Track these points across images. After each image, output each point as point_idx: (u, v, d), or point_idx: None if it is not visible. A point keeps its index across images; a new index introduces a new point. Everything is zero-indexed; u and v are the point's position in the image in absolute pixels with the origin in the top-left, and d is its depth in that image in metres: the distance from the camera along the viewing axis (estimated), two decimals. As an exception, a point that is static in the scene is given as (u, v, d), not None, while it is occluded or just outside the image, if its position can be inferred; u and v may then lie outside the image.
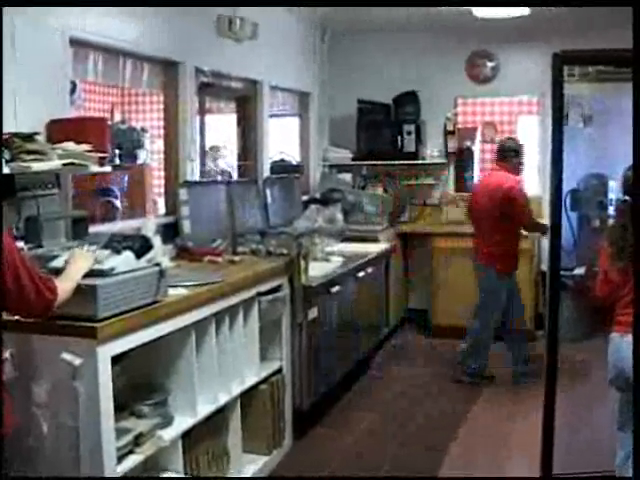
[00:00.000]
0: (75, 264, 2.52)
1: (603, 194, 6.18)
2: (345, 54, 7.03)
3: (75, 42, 3.72)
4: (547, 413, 3.30)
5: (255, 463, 3.81)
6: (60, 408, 2.56)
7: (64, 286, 2.38)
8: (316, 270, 4.46)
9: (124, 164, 6.57)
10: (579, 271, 5.62)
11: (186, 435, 3.15)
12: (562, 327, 3.28)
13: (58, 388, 2.55)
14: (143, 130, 7.09)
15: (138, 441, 2.84)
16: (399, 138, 6.80)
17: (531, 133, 6.75)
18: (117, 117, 7.81)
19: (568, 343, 4.15)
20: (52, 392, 2.56)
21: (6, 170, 2.87)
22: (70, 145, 3.23)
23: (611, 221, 5.06)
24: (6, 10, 2.85)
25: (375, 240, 6.01)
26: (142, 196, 6.75)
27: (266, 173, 5.86)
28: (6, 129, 2.88)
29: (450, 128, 6.90)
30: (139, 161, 6.86)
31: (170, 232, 4.37)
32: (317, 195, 6.54)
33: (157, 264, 2.83)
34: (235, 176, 6.46)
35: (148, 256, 2.77)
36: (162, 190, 5.38)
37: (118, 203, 6.40)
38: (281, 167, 6.28)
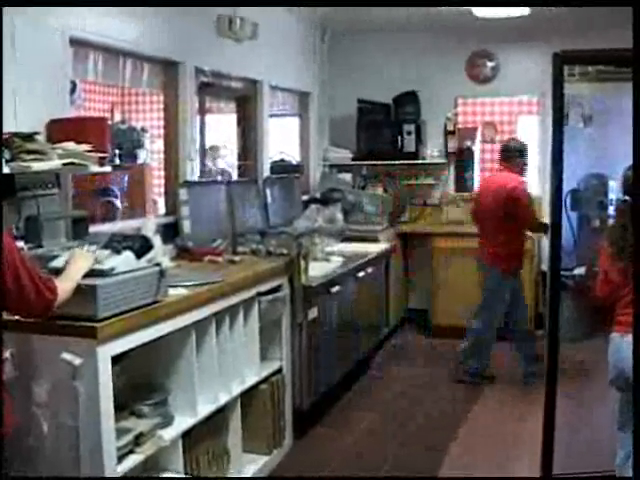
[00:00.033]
0: (75, 264, 2.52)
1: (603, 194, 6.18)
2: (345, 54, 7.03)
3: (75, 42, 3.72)
4: (547, 413, 3.30)
5: (255, 463, 3.81)
6: (60, 408, 2.56)
7: (64, 286, 2.38)
8: (316, 270, 4.46)
9: (124, 164, 6.58)
10: (579, 271, 5.62)
11: (186, 435, 3.15)
12: (562, 327, 3.28)
13: (58, 388, 2.55)
14: (143, 130, 7.09)
15: (138, 441, 2.84)
16: (399, 138, 6.80)
17: (531, 133, 6.74)
18: (117, 117, 7.81)
19: (568, 343, 4.14)
20: (52, 392, 2.56)
21: (6, 170, 2.87)
22: (70, 145, 3.23)
23: (611, 221, 5.06)
24: (6, 10, 2.85)
25: (375, 240, 6.01)
26: (142, 196, 6.75)
27: (266, 173, 5.86)
28: (6, 129, 2.88)
29: (450, 128, 6.90)
30: (139, 161, 6.86)
31: (170, 232, 4.37)
32: (317, 195, 6.54)
33: (157, 264, 2.83)
34: (235, 176, 6.46)
35: (148, 256, 2.77)
36: (162, 190, 5.38)
37: (118, 203, 6.40)
38: (281, 167, 6.28)
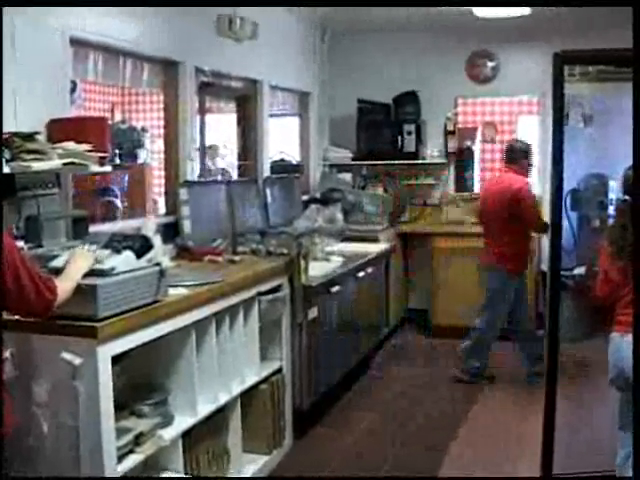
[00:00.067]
0: (75, 264, 2.52)
1: (603, 194, 6.19)
2: (345, 54, 7.03)
3: (75, 42, 3.72)
4: (547, 413, 3.30)
5: (255, 463, 3.81)
6: (60, 408, 2.56)
7: (64, 286, 2.38)
8: (316, 270, 4.46)
9: (124, 164, 6.59)
10: (579, 271, 5.62)
11: (186, 435, 3.15)
12: (562, 327, 3.28)
13: (58, 388, 2.55)
14: (143, 130, 7.10)
15: (138, 441, 2.84)
16: (399, 138, 6.80)
17: (531, 133, 6.74)
18: (117, 117, 7.83)
19: (568, 343, 4.15)
20: (52, 392, 2.56)
21: (6, 170, 2.87)
22: (70, 145, 3.23)
23: (611, 221, 5.06)
24: (6, 10, 2.84)
25: (375, 240, 6.01)
26: (142, 196, 6.76)
27: (266, 173, 5.86)
28: (6, 129, 2.88)
29: (450, 128, 6.90)
30: (139, 161, 6.87)
31: (170, 232, 4.37)
32: (317, 195, 6.54)
33: (157, 264, 2.83)
34: (234, 175, 6.46)
35: (148, 256, 2.77)
36: (162, 190, 5.38)
37: (118, 202, 6.41)
38: (281, 167, 6.28)
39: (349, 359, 5.08)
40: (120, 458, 2.71)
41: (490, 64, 6.83)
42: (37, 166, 2.99)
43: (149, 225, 3.84)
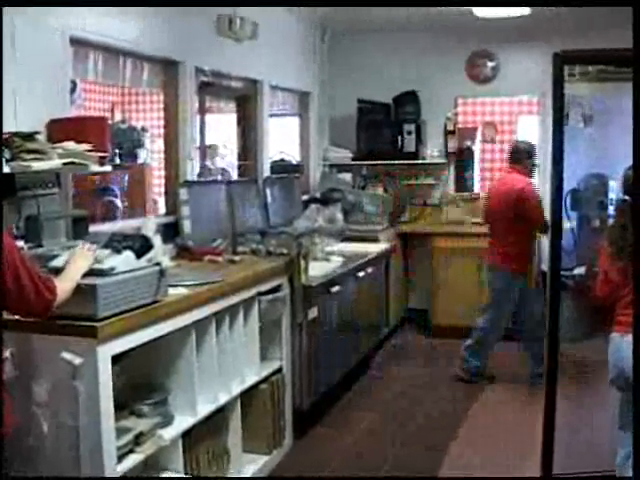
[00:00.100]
0: (75, 264, 2.52)
1: (603, 194, 6.18)
2: (345, 54, 7.03)
3: (75, 42, 3.72)
4: (547, 413, 3.30)
5: (255, 463, 3.81)
6: (60, 408, 2.56)
7: (63, 286, 2.38)
8: (316, 270, 4.46)
9: (124, 163, 6.59)
10: (579, 271, 5.62)
11: (186, 434, 3.15)
12: (562, 327, 3.28)
13: (58, 387, 2.55)
14: (143, 129, 7.10)
15: (138, 440, 2.84)
16: (399, 138, 6.80)
17: (531, 133, 6.74)
18: (117, 116, 7.82)
19: (568, 343, 4.15)
20: (52, 391, 2.56)
21: (6, 169, 2.87)
22: (70, 144, 3.23)
23: (611, 221, 5.07)
24: (6, 10, 2.84)
25: (375, 240, 6.01)
26: (142, 196, 6.76)
27: (266, 173, 5.86)
28: (6, 129, 2.88)
29: (450, 128, 6.90)
30: (139, 160, 6.87)
31: (170, 232, 4.37)
32: (317, 195, 6.53)
33: (157, 264, 2.83)
34: (234, 175, 6.46)
35: (148, 256, 2.77)
36: (162, 190, 5.38)
37: (119, 202, 6.40)
38: (281, 167, 6.28)
39: (349, 359, 5.08)
40: (120, 458, 2.71)
41: (490, 64, 6.83)
42: (37, 166, 2.99)
43: (149, 225, 3.85)
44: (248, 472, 3.71)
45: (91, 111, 7.25)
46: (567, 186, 4.01)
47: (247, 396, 3.73)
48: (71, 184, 3.72)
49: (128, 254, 2.69)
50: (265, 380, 3.89)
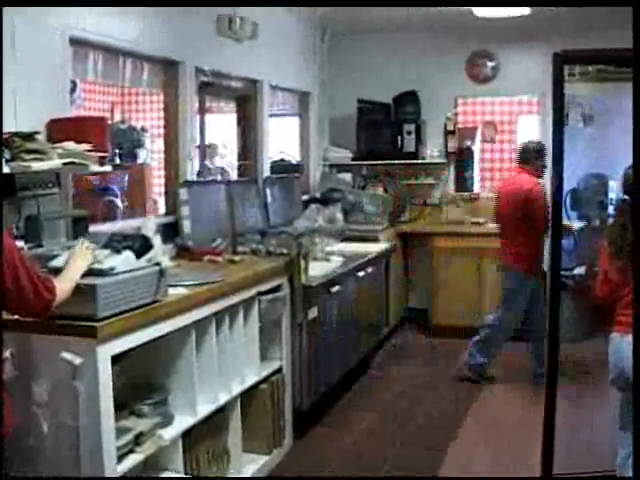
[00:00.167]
0: (75, 264, 2.52)
1: (603, 194, 6.19)
2: (345, 54, 7.03)
3: (75, 42, 3.72)
4: (547, 413, 3.30)
5: (255, 463, 3.81)
6: (60, 408, 2.56)
7: (63, 286, 2.38)
8: (316, 270, 4.46)
9: (124, 163, 6.59)
10: (579, 271, 5.62)
11: (186, 434, 3.15)
12: (562, 327, 3.28)
13: (58, 387, 2.55)
14: (143, 129, 7.11)
15: (138, 440, 2.84)
16: (399, 138, 6.80)
17: (531, 133, 6.74)
18: (117, 116, 7.82)
19: (568, 343, 4.15)
20: (52, 391, 2.56)
21: (6, 169, 2.87)
22: (70, 144, 3.23)
23: (611, 221, 5.08)
24: (6, 10, 2.84)
25: (375, 240, 6.01)
26: (142, 196, 6.76)
27: (266, 173, 5.86)
28: (6, 129, 2.88)
29: (450, 128, 6.90)
30: (139, 160, 6.88)
31: (170, 232, 4.37)
32: (317, 195, 6.53)
33: (157, 264, 2.83)
34: (233, 175, 6.46)
35: (148, 256, 2.77)
36: (162, 190, 5.38)
37: (119, 202, 6.41)
38: (281, 167, 6.28)
39: (349, 359, 5.08)
40: (120, 458, 2.71)
41: (490, 64, 6.83)
42: (37, 166, 2.99)
43: (149, 225, 3.85)
44: (248, 472, 3.71)
45: (91, 111, 7.25)
46: (567, 186, 4.02)
47: (247, 396, 3.73)
48: (71, 184, 3.72)
49: (128, 254, 2.69)
50: (265, 380, 3.89)
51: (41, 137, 3.20)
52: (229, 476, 3.53)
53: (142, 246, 2.76)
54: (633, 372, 2.69)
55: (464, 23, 6.29)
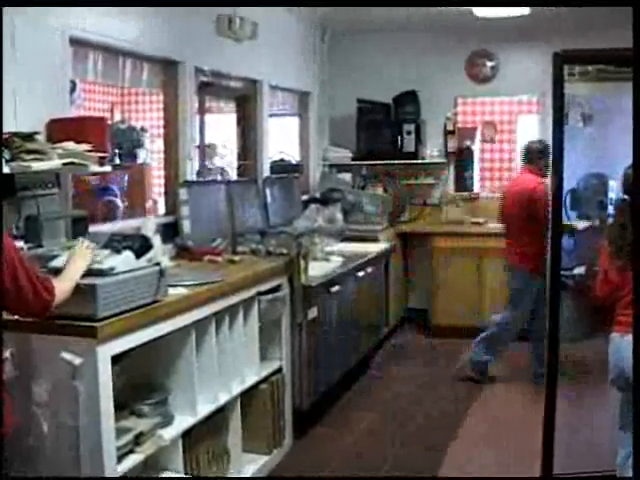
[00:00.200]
0: (74, 264, 2.51)
1: (603, 194, 6.17)
2: (345, 54, 7.03)
3: (75, 42, 3.72)
4: (547, 413, 3.30)
5: (255, 463, 3.81)
6: (60, 408, 2.56)
7: (63, 286, 2.38)
8: (316, 270, 4.46)
9: (124, 163, 6.60)
10: (579, 271, 5.61)
11: (186, 434, 3.15)
12: (562, 327, 3.28)
13: (58, 388, 2.55)
14: (143, 130, 7.11)
15: (138, 440, 2.84)
16: (399, 138, 6.80)
17: (531, 133, 6.74)
18: (117, 117, 7.83)
19: (568, 343, 4.15)
20: (52, 392, 2.56)
21: (6, 170, 2.87)
22: (70, 144, 3.23)
23: (611, 220, 5.08)
24: (6, 10, 2.84)
25: (375, 240, 6.01)
26: (142, 196, 6.77)
27: (266, 173, 5.86)
28: (6, 129, 2.88)
29: (450, 128, 6.90)
30: (139, 160, 6.88)
31: (170, 232, 4.37)
32: (317, 195, 6.53)
33: (157, 264, 2.83)
34: (232, 174, 6.46)
35: (148, 256, 2.77)
36: (162, 190, 5.38)
37: (119, 201, 6.41)
38: (281, 167, 6.28)
39: (349, 359, 5.08)
40: (120, 458, 2.71)
41: (490, 64, 6.83)
42: (37, 166, 2.98)
43: (149, 225, 3.85)
44: (248, 472, 3.71)
45: (91, 111, 7.25)
46: (567, 186, 4.02)
47: (247, 396, 3.73)
48: (71, 184, 3.72)
49: (128, 254, 2.69)
50: (265, 380, 3.89)
51: (41, 137, 3.20)
52: (229, 476, 3.53)
53: (142, 246, 2.76)
54: (633, 372, 2.69)
55: (464, 23, 6.29)
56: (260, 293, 3.82)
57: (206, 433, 3.33)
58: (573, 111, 6.17)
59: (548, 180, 5.33)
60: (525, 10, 5.76)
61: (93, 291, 2.50)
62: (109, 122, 6.81)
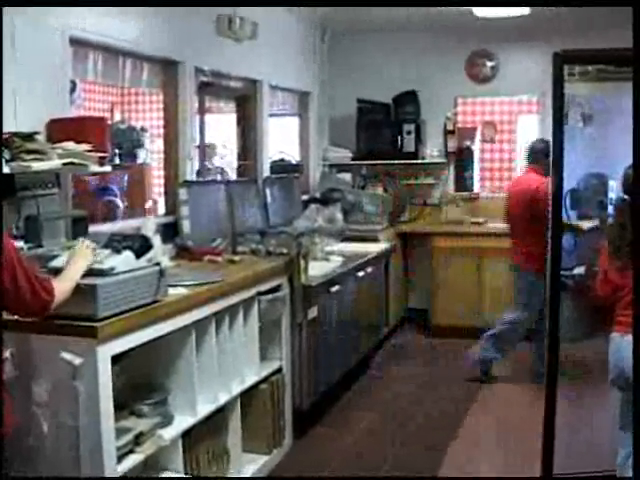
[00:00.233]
0: (75, 264, 2.51)
1: (603, 193, 6.16)
2: (345, 54, 7.03)
3: (75, 42, 3.72)
4: (547, 413, 3.30)
5: (255, 463, 3.81)
6: (60, 408, 2.56)
7: (63, 286, 2.38)
8: (316, 270, 4.46)
9: (124, 163, 6.60)
10: (579, 270, 5.61)
11: (186, 434, 3.15)
12: (562, 327, 3.28)
13: (58, 388, 2.55)
14: (143, 130, 7.11)
15: (138, 440, 2.84)
16: (399, 138, 6.80)
17: (531, 133, 6.74)
18: (117, 117, 7.83)
19: (568, 343, 4.15)
20: (52, 392, 2.56)
21: (6, 170, 2.87)
22: (70, 144, 3.23)
23: (610, 220, 5.08)
24: (6, 10, 2.84)
25: (375, 240, 6.01)
26: (142, 196, 6.77)
27: (266, 173, 5.86)
28: (6, 129, 2.88)
29: (450, 128, 6.91)
30: (139, 160, 6.89)
31: (170, 232, 4.37)
32: (317, 195, 6.53)
33: (157, 264, 2.83)
34: (231, 174, 6.46)
35: (148, 256, 2.77)
36: (162, 190, 5.38)
37: (119, 201, 6.41)
38: (281, 167, 6.28)
39: (349, 359, 5.08)
40: (120, 458, 2.71)
41: (490, 64, 6.83)
42: (37, 166, 2.98)
43: (149, 225, 3.85)
44: (248, 472, 3.71)
45: (91, 111, 7.25)
46: (567, 185, 4.02)
47: (247, 396, 3.73)
48: (71, 184, 3.72)
49: (128, 254, 2.69)
50: (265, 380, 3.89)
51: (41, 137, 3.20)
52: (229, 476, 3.53)
53: (142, 246, 2.76)
54: (633, 372, 2.69)
55: (464, 23, 6.29)
56: (260, 293, 3.82)
57: (206, 433, 3.33)
58: (573, 111, 6.16)
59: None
60: (525, 10, 5.76)
61: (93, 291, 2.50)
62: (109, 122, 6.81)
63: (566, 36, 5.67)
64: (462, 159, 7.02)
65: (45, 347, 2.56)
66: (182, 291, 3.14)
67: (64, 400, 2.55)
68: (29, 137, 3.02)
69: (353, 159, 6.96)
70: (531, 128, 6.88)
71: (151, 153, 7.07)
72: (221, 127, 7.06)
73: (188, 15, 4.55)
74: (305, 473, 3.89)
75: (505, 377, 5.34)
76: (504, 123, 7.23)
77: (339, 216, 5.87)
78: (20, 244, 2.98)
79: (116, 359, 2.68)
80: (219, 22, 4.85)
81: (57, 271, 2.51)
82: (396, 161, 6.86)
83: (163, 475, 3.08)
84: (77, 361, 2.50)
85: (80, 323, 2.51)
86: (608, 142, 5.91)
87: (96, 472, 2.57)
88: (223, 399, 3.42)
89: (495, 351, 5.24)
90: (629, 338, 2.81)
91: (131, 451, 2.80)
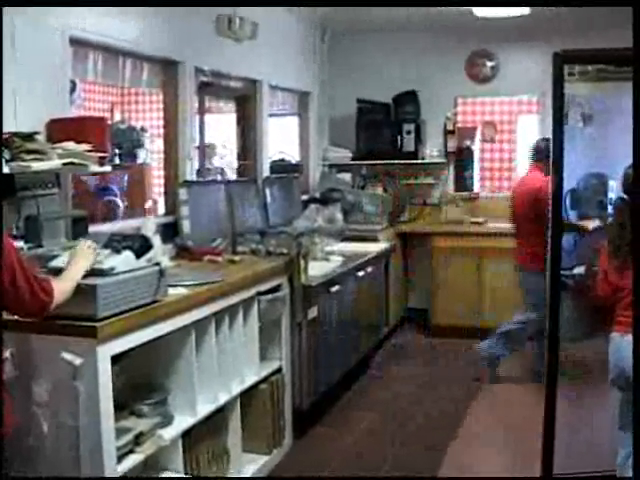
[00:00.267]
0: (76, 264, 2.51)
1: (603, 193, 6.16)
2: (345, 54, 7.03)
3: (75, 42, 3.72)
4: (547, 413, 3.30)
5: (255, 463, 3.81)
6: (60, 408, 2.56)
7: (63, 286, 2.37)
8: (316, 270, 4.46)
9: (124, 163, 6.60)
10: (579, 270, 5.61)
11: (186, 434, 3.15)
12: (562, 327, 3.28)
13: (58, 388, 2.55)
14: (143, 129, 7.11)
15: (138, 440, 2.84)
16: (399, 138, 6.80)
17: (531, 133, 6.74)
18: (117, 117, 7.82)
19: (568, 343, 4.15)
20: (52, 392, 2.56)
21: (6, 170, 2.87)
22: (70, 144, 3.23)
23: (610, 220, 5.08)
24: (6, 10, 2.84)
25: (375, 240, 6.01)
26: (142, 196, 6.77)
27: (266, 173, 5.86)
28: (6, 129, 2.88)
29: (450, 128, 6.91)
30: (139, 160, 6.88)
31: (170, 232, 4.37)
32: (317, 195, 6.53)
33: (157, 264, 2.83)
34: (231, 174, 6.46)
35: (148, 256, 2.77)
36: (162, 190, 5.38)
37: (119, 201, 6.41)
38: (281, 167, 6.28)
39: (349, 359, 5.08)
40: (120, 458, 2.71)
41: (490, 64, 6.83)
42: (37, 166, 2.98)
43: (149, 225, 3.85)
44: (248, 472, 3.71)
45: (91, 111, 7.25)
46: (567, 185, 4.02)
47: (247, 396, 3.73)
48: (71, 184, 3.72)
49: (128, 254, 2.69)
50: (265, 380, 3.89)
51: (41, 137, 3.20)
52: (229, 476, 3.53)
53: (142, 246, 2.76)
54: (633, 372, 2.69)
55: (464, 23, 6.29)
56: (260, 293, 3.82)
57: (206, 433, 3.33)
58: (573, 111, 6.15)
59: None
60: (525, 10, 5.76)
61: (93, 291, 2.50)
62: (109, 122, 6.81)
63: (566, 36, 5.67)
64: (462, 159, 7.02)
65: (45, 347, 2.56)
66: (182, 291, 3.14)
67: (64, 400, 2.55)
68: (29, 137, 3.02)
69: (353, 159, 6.96)
70: (531, 128, 6.88)
71: (151, 153, 7.06)
72: (221, 127, 7.05)
73: (188, 15, 4.55)
74: (305, 473, 3.89)
75: (505, 377, 5.33)
76: (504, 123, 7.23)
77: (339, 216, 5.87)
78: (20, 244, 2.98)
79: (116, 359, 2.68)
80: (219, 22, 4.85)
81: (57, 271, 2.51)
82: (396, 161, 6.86)
83: (163, 475, 3.08)
84: (77, 361, 2.50)
85: (80, 323, 2.51)
86: (608, 142, 5.91)
87: (96, 472, 2.57)
88: (223, 399, 3.42)
89: (503, 349, 5.24)
90: (629, 338, 2.81)
91: (131, 451, 2.80)
